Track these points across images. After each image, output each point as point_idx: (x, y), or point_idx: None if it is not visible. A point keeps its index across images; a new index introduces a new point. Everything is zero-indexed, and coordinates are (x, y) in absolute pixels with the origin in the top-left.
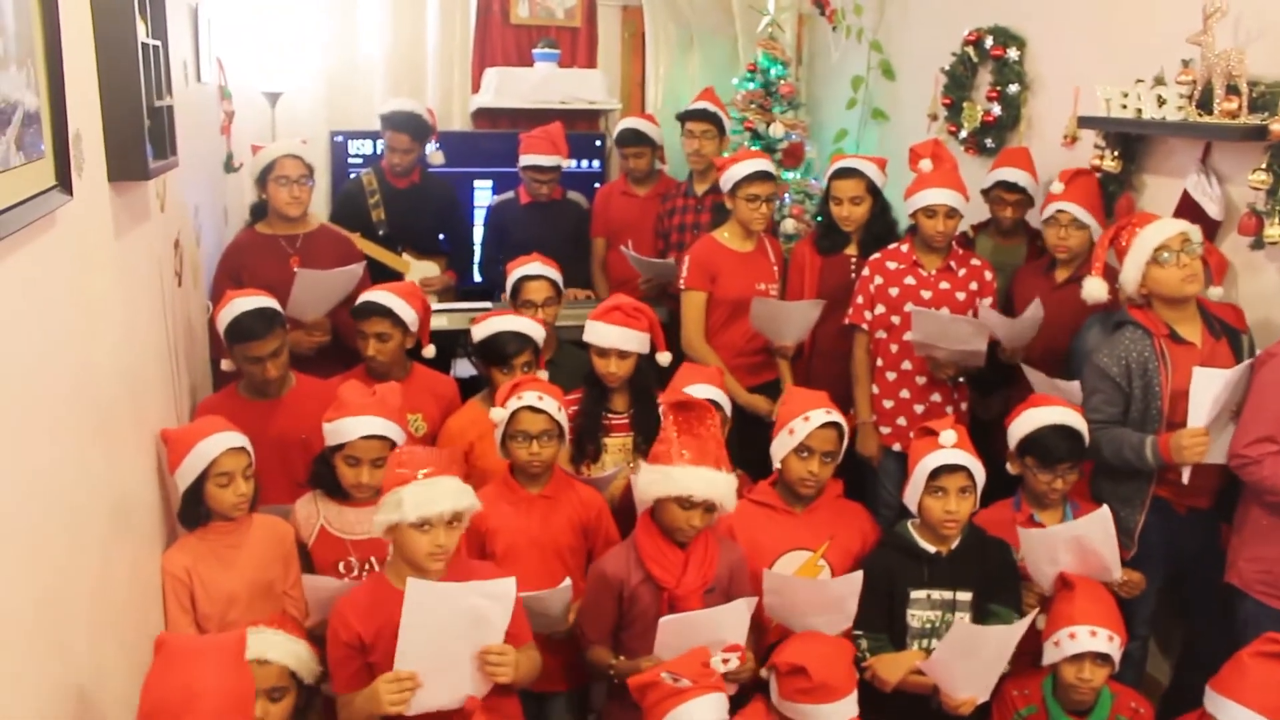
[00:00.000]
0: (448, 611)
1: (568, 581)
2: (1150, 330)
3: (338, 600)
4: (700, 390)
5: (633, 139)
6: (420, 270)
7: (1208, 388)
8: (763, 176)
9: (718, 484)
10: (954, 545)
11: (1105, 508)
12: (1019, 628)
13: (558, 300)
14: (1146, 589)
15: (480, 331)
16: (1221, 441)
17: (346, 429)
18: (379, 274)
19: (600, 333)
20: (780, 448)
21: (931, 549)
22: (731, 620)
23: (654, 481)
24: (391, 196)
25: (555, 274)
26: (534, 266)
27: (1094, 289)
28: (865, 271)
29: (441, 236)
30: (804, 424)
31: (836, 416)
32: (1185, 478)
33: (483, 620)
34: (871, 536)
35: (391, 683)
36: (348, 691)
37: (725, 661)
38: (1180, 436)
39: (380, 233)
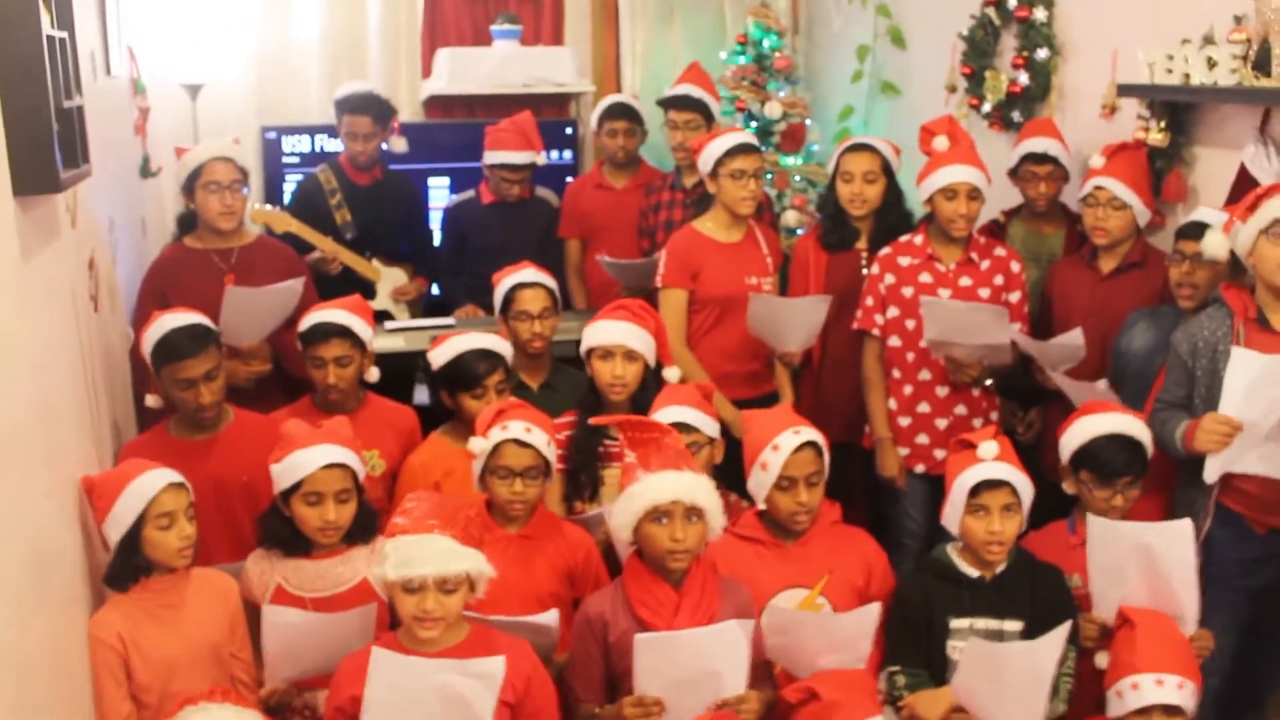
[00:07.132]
0: (417, 689)
1: (554, 613)
2: (1234, 310)
3: (343, 660)
4: (677, 414)
5: (621, 112)
6: (391, 279)
7: (1246, 372)
8: (746, 149)
9: (690, 484)
10: (999, 570)
11: (1187, 521)
12: (1047, 642)
13: (556, 312)
14: (1227, 619)
15: (440, 355)
16: (1273, 450)
17: (301, 463)
18: (341, 286)
19: (604, 331)
20: (758, 485)
21: (974, 573)
22: (725, 646)
23: (621, 510)
24: (353, 194)
25: (551, 282)
26: (528, 273)
27: (1214, 244)
28: (874, 269)
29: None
30: (774, 454)
31: (808, 433)
32: (1209, 475)
33: (460, 703)
34: (878, 567)
35: None
36: None
37: None
38: (1203, 419)
39: (348, 236)
